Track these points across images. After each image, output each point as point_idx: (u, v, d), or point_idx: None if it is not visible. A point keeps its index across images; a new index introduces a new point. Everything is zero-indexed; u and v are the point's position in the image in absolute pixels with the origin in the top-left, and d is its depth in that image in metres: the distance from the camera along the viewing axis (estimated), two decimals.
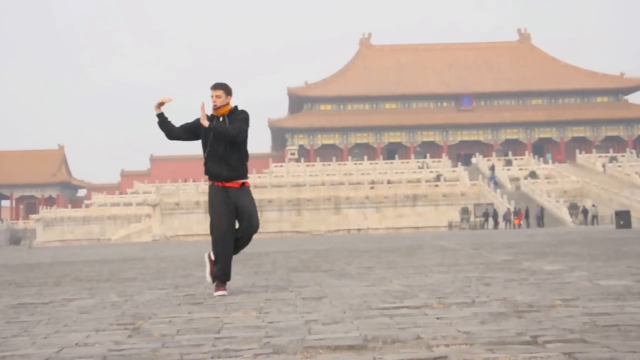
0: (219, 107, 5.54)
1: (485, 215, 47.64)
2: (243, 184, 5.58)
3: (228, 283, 6.07)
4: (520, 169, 61.49)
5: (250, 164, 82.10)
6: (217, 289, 5.53)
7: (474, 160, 72.28)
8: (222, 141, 5.47)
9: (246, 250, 17.90)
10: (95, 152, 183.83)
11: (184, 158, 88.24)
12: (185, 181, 73.52)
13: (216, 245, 5.54)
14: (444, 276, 6.68)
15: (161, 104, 5.53)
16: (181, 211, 53.81)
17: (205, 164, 5.57)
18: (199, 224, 53.44)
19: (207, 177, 5.61)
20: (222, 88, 5.55)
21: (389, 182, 57.69)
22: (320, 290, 5.70)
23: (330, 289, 5.71)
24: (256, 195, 54.76)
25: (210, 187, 5.64)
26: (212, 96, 5.56)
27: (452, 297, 4.77)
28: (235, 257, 13.03)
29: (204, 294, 5.76)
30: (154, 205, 53.84)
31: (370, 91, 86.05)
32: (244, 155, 5.56)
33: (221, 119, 5.53)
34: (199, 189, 56.60)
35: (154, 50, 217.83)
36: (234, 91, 5.69)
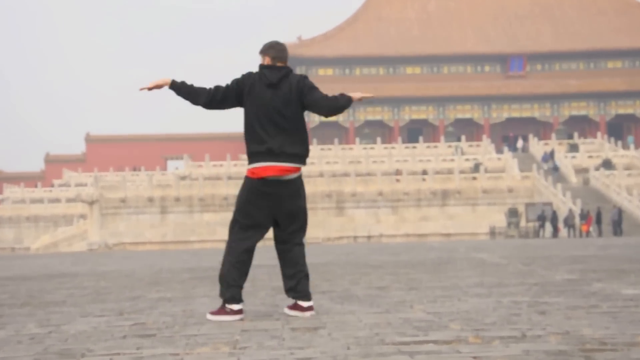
0: None
1: (542, 218, 47.78)
2: None
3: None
4: (590, 157, 61.66)
5: (221, 147, 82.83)
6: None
7: (521, 144, 72.46)
8: None
9: (217, 265, 17.92)
10: (7, 130, 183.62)
11: (134, 138, 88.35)
12: (135, 169, 73.47)
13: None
14: (483, 301, 6.70)
15: (157, 87, 5.88)
16: (128, 210, 53.86)
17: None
18: (153, 228, 53.52)
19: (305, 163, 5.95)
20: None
21: (410, 173, 57.76)
22: (317, 318, 5.71)
23: (330, 317, 5.73)
24: (230, 189, 54.90)
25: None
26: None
27: (495, 330, 4.78)
28: (200, 274, 13.06)
29: (157, 322, 5.77)
30: (91, 203, 53.84)
31: (386, 50, 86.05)
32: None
33: None
34: (153, 181, 56.63)
35: None
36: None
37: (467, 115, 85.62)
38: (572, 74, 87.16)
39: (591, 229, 45.84)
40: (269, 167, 5.70)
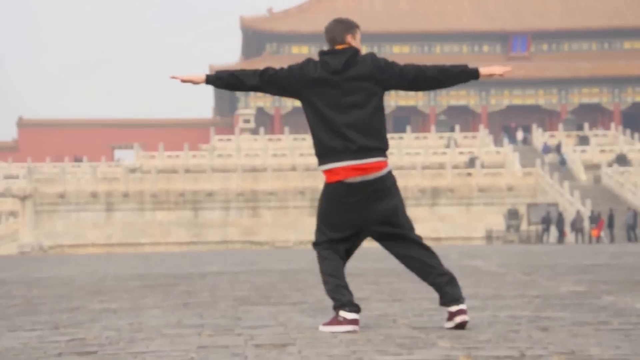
0: None
1: (546, 221, 48.09)
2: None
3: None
4: (602, 151, 62.20)
5: (177, 136, 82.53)
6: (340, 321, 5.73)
7: (521, 135, 72.84)
8: None
9: (171, 271, 17.89)
10: None
11: (75, 123, 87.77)
12: (77, 160, 73.04)
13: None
14: (477, 315, 6.74)
15: (191, 81, 6.06)
16: (68, 207, 53.55)
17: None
18: (97, 229, 53.23)
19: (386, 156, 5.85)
20: None
21: (396, 167, 57.86)
22: (285, 333, 5.71)
23: (301, 332, 5.73)
24: (187, 183, 54.73)
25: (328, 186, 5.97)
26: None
27: (490, 348, 4.80)
28: (151, 282, 13.01)
29: (99, 337, 5.74)
30: (24, 198, 53.45)
31: (370, 26, 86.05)
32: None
33: None
34: (98, 174, 56.33)
35: None
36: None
37: (462, 102, 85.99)
38: (583, 55, 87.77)
39: (602, 233, 46.18)
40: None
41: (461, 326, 5.65)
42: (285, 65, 5.89)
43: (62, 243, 52.51)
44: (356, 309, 5.73)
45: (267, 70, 5.90)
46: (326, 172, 5.76)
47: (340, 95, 5.72)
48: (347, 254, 5.93)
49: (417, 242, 5.86)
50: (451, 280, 5.81)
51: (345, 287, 5.81)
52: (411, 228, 5.88)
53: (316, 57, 5.91)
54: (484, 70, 5.88)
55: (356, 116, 5.71)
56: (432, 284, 5.85)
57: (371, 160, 5.69)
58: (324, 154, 5.76)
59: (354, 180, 5.68)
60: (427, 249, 5.89)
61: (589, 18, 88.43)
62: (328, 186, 5.78)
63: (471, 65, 5.93)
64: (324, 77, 5.74)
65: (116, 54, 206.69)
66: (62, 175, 55.11)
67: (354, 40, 5.84)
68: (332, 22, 5.91)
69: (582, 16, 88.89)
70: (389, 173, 5.80)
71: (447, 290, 5.77)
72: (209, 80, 5.96)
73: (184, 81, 6.02)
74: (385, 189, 5.75)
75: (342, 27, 5.86)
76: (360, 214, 5.75)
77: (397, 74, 5.78)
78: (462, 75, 5.85)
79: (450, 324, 5.72)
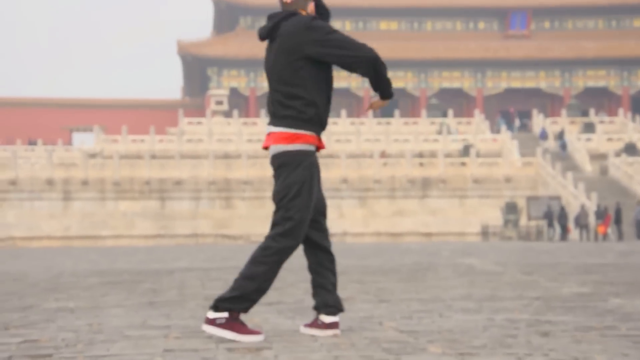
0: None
1: (549, 216, 48.21)
2: None
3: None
4: (609, 139, 62.44)
5: (142, 118, 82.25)
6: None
7: (518, 123, 73.01)
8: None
9: (135, 267, 17.86)
10: None
11: (28, 102, 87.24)
12: (30, 143, 72.71)
13: (280, 262, 5.68)
14: (471, 318, 6.76)
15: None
16: (20, 195, 53.34)
17: (318, 105, 5.69)
18: (53, 219, 53.04)
19: (314, 131, 5.69)
20: None
21: (383, 155, 57.97)
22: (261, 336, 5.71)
23: (278, 335, 5.73)
24: (154, 170, 54.58)
25: (313, 155, 5.75)
26: None
27: (485, 354, 4.81)
28: (112, 278, 12.97)
29: (55, 339, 5.72)
30: None
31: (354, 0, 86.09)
32: None
33: None
34: (54, 158, 56.13)
35: None
36: None
37: (456, 85, 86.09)
38: (588, 34, 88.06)
39: (609, 230, 46.39)
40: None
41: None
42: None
43: (13, 235, 52.28)
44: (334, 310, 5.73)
45: None
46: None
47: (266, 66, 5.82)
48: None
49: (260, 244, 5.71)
50: (237, 287, 5.56)
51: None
52: (274, 224, 5.68)
53: None
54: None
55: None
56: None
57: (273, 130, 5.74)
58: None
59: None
60: (259, 248, 5.67)
61: None
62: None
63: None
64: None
65: (77, 28, 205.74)
66: (13, 159, 54.82)
67: (310, 9, 5.76)
68: None
69: None
70: (299, 151, 5.65)
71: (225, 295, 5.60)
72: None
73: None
74: (276, 168, 5.72)
75: None
76: None
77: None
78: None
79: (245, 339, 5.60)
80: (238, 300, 5.51)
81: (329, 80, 5.71)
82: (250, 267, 5.57)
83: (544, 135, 64.67)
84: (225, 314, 5.50)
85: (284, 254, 5.64)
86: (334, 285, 5.79)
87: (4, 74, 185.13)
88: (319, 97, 5.63)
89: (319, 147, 5.72)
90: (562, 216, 47.46)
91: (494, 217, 51.48)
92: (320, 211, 5.90)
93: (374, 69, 5.56)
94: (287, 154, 5.60)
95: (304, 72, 5.60)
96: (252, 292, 5.53)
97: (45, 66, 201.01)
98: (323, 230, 5.92)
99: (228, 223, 53.74)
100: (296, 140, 5.60)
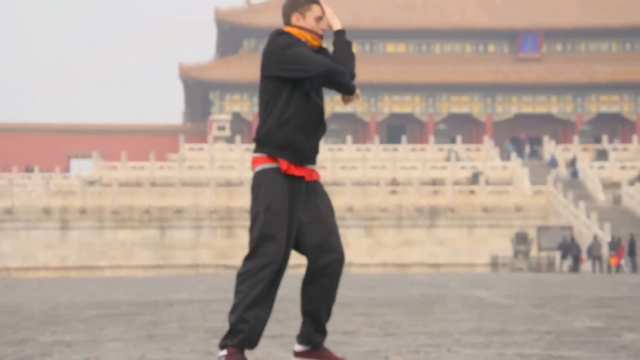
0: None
1: (564, 247, 47.91)
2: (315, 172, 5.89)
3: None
4: (623, 167, 62.40)
5: (142, 144, 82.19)
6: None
7: (528, 149, 72.84)
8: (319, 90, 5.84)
9: (134, 298, 17.81)
10: None
11: (26, 128, 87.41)
12: (27, 170, 72.81)
13: (255, 285, 5.60)
14: (480, 352, 6.74)
15: None
16: (16, 225, 53.31)
17: (283, 127, 5.67)
18: (50, 249, 52.99)
19: (266, 152, 5.74)
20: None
21: (393, 182, 57.95)
22: None
23: None
24: (153, 198, 54.58)
25: (270, 173, 5.73)
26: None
27: None
28: (111, 311, 12.96)
29: None
30: None
31: (361, 21, 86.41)
32: None
33: None
34: (51, 186, 56.19)
35: None
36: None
37: (465, 110, 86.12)
38: (602, 57, 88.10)
39: (622, 261, 46.25)
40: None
41: None
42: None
43: (8, 266, 52.21)
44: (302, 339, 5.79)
45: None
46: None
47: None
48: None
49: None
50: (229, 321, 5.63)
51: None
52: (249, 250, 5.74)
53: None
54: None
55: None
56: None
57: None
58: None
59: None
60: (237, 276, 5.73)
61: (609, 15, 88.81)
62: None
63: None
64: None
65: (77, 54, 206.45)
66: (9, 187, 54.85)
67: (301, 21, 5.75)
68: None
69: (601, 12, 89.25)
70: (256, 172, 5.76)
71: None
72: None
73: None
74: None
75: (289, 5, 5.79)
76: None
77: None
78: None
79: None
80: (229, 335, 5.55)
81: (305, 98, 5.66)
82: (234, 299, 5.64)
83: (553, 163, 64.61)
84: (224, 352, 5.51)
85: (254, 276, 5.58)
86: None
87: (7, 99, 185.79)
88: (287, 116, 5.61)
89: (290, 172, 5.67)
90: (575, 247, 47.33)
91: (504, 247, 51.35)
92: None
93: (332, 81, 5.62)
94: (253, 178, 5.76)
95: (268, 91, 5.64)
96: (237, 323, 5.52)
97: (49, 91, 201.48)
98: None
99: (230, 253, 53.63)
100: (257, 163, 5.75)
